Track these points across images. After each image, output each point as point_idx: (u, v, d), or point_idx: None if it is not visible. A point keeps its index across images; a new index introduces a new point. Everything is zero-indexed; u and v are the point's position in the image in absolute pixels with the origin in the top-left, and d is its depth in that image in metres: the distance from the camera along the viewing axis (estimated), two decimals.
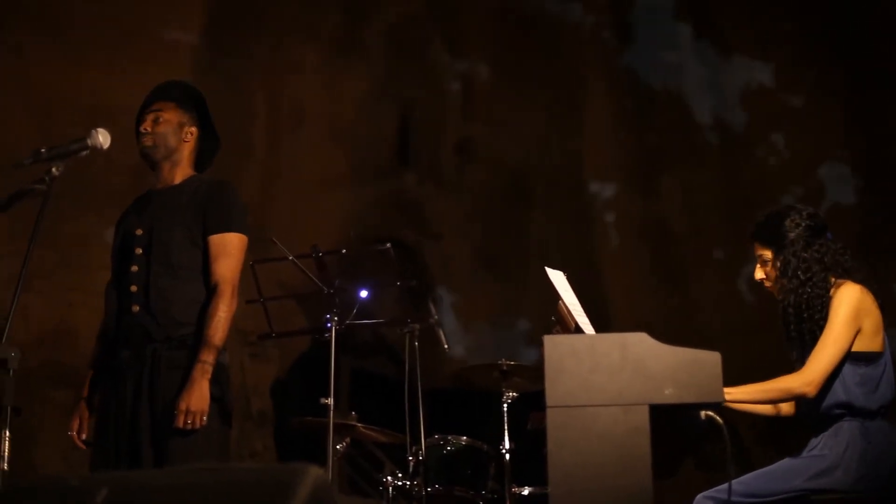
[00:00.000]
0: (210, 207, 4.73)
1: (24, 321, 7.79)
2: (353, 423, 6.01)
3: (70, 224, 8.00)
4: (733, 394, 4.39)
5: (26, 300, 7.90)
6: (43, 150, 4.05)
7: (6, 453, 3.77)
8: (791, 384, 4.52)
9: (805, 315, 4.59)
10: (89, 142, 4.18)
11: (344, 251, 5.35)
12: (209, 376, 4.52)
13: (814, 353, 4.51)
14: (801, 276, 4.61)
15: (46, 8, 8.49)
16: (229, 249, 4.72)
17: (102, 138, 4.20)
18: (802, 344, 4.62)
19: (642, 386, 4.10)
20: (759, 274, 4.78)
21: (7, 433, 3.75)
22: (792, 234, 4.66)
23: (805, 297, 4.59)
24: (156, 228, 4.72)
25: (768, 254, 4.72)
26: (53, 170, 3.98)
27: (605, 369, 4.11)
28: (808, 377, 4.49)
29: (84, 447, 4.81)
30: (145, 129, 4.85)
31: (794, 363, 4.66)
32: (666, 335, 4.24)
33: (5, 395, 3.74)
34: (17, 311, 3.87)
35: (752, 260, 4.85)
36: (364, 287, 5.49)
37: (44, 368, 8.14)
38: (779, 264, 4.67)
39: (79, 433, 4.79)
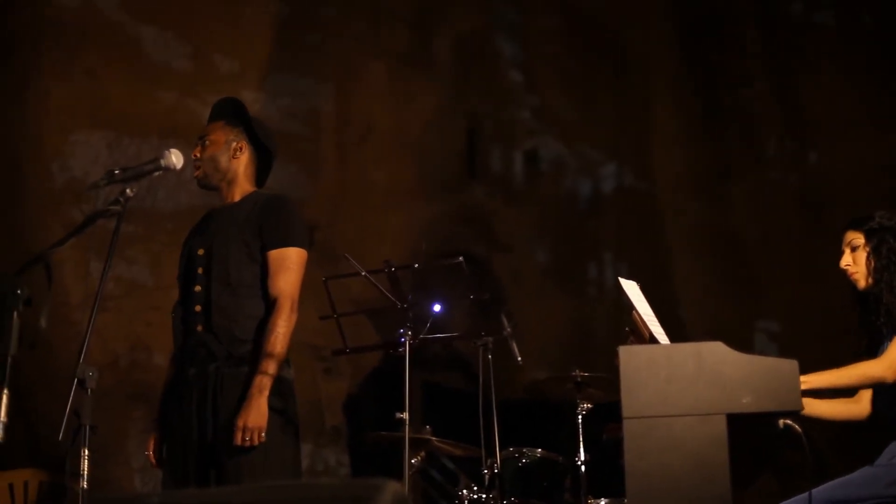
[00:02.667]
0: (267, 223, 4.74)
1: (101, 341, 7.88)
2: (428, 436, 6.00)
3: (143, 244, 8.08)
4: (810, 381, 4.35)
5: (103, 320, 7.98)
6: (117, 172, 4.08)
7: (86, 471, 3.80)
8: (871, 368, 4.49)
9: (886, 300, 4.57)
10: (162, 162, 4.20)
11: (416, 266, 5.35)
12: (267, 392, 4.52)
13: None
14: (890, 261, 4.60)
15: (119, 32, 8.59)
16: (288, 264, 4.71)
17: (175, 158, 4.22)
18: (878, 332, 4.59)
19: (719, 395, 4.07)
20: (845, 260, 4.75)
21: (86, 451, 3.78)
22: (886, 223, 4.67)
23: (891, 283, 4.57)
24: (215, 247, 4.74)
25: (860, 238, 4.71)
26: (128, 190, 4.00)
27: (681, 379, 4.09)
28: (889, 362, 4.45)
29: (158, 467, 4.85)
30: (195, 156, 4.87)
31: (862, 354, 4.63)
32: (740, 343, 4.21)
33: (84, 414, 3.77)
34: (94, 330, 3.90)
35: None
36: (437, 301, 5.48)
37: (120, 387, 8.22)
38: (869, 248, 4.66)
39: (155, 453, 4.83)
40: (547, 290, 9.95)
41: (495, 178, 10.08)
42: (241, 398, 4.53)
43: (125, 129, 8.54)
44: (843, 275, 4.78)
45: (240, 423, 4.46)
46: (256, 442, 4.46)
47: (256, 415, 4.46)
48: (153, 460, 4.82)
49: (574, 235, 10.01)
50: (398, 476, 5.20)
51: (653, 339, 4.46)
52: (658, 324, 4.62)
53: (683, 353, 4.15)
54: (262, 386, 4.50)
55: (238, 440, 4.45)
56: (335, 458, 9.05)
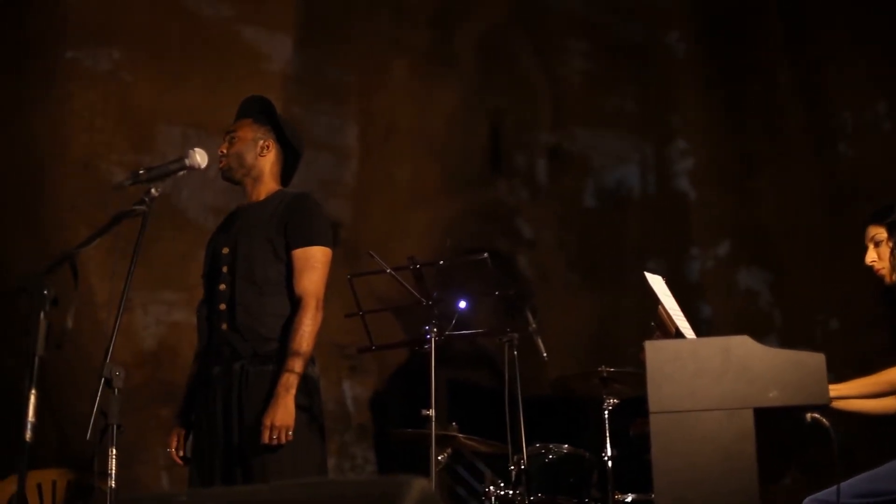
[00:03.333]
0: (292, 221, 4.74)
1: (127, 340, 7.90)
2: (454, 433, 6.00)
3: (168, 243, 8.10)
4: (839, 390, 4.33)
5: (129, 319, 8.01)
6: (142, 171, 4.09)
7: (113, 470, 3.82)
8: None
9: None
10: (187, 162, 4.21)
11: (441, 262, 5.34)
12: (294, 390, 4.54)
13: None
14: None
15: (143, 31, 8.61)
16: (313, 263, 4.72)
17: (200, 158, 4.24)
18: None
19: (746, 389, 4.07)
20: (870, 256, 4.71)
21: (114, 450, 3.80)
22: None
23: None
24: (240, 245, 4.76)
25: (882, 232, 4.67)
26: (153, 190, 4.01)
27: (707, 373, 4.08)
28: None
29: (182, 464, 4.86)
30: (221, 152, 4.89)
31: (889, 349, 4.60)
32: (766, 337, 4.19)
33: (111, 414, 3.78)
34: (121, 330, 3.91)
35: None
36: (462, 298, 5.48)
37: (147, 386, 8.24)
38: (893, 241, 4.62)
39: (176, 450, 4.84)
40: (571, 286, 9.94)
41: (519, 174, 10.07)
42: (267, 396, 4.54)
43: (149, 128, 8.56)
44: (869, 271, 4.75)
45: (267, 421, 4.47)
46: (284, 440, 4.47)
47: (284, 413, 4.48)
48: (175, 457, 4.83)
49: (598, 230, 9.99)
50: (424, 473, 5.20)
51: (679, 334, 4.45)
52: (684, 318, 4.61)
53: (710, 347, 4.14)
54: (289, 384, 4.51)
55: (265, 438, 4.46)
56: (361, 456, 9.06)
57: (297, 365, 4.54)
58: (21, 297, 3.36)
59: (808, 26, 9.99)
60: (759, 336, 4.18)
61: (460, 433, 6.04)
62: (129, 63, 8.58)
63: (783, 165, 9.97)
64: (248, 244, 4.74)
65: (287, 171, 5.03)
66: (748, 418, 4.04)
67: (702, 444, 4.04)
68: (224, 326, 4.69)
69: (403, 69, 9.70)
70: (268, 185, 4.92)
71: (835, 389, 4.26)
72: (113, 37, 8.54)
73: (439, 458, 5.86)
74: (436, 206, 9.60)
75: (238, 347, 4.65)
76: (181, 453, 4.85)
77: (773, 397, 4.05)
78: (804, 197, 9.78)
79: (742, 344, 4.12)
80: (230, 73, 8.75)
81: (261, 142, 4.91)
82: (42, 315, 3.32)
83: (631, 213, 10.12)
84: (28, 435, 3.29)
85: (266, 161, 4.92)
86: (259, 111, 4.99)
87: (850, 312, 9.00)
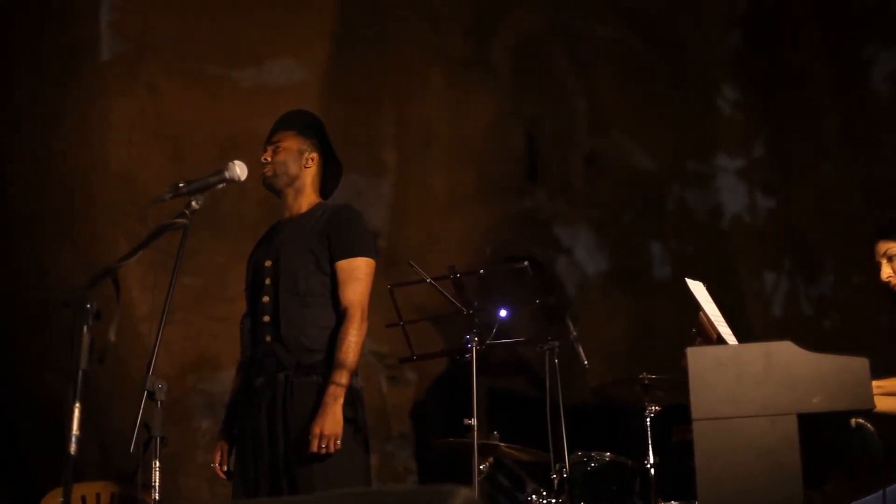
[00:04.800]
0: (335, 233, 4.77)
1: (168, 353, 7.93)
2: (496, 442, 5.99)
3: (208, 255, 8.13)
4: (884, 386, 4.31)
5: (170, 332, 8.02)
6: (182, 185, 4.11)
7: (157, 483, 3.83)
8: None
9: None
10: (227, 174, 4.23)
11: (481, 271, 5.35)
12: (342, 401, 4.55)
13: None
14: None
15: (179, 46, 8.65)
16: (357, 274, 4.75)
17: (240, 170, 4.26)
18: None
19: (789, 395, 4.04)
20: (885, 271, 4.71)
21: (157, 463, 3.81)
22: None
23: None
24: (283, 258, 4.78)
25: (894, 247, 4.65)
26: (193, 203, 4.03)
27: (750, 380, 4.06)
28: None
29: (225, 478, 4.87)
30: (265, 160, 4.92)
31: None
32: (807, 342, 4.17)
33: (154, 426, 3.80)
34: (162, 342, 3.93)
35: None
36: (503, 306, 5.48)
37: (188, 398, 8.28)
38: None
39: (220, 464, 4.85)
40: (611, 293, 9.91)
41: (556, 181, 10.05)
42: (312, 407, 4.56)
43: (187, 141, 8.60)
44: (886, 287, 4.73)
45: (316, 430, 4.49)
46: (332, 449, 4.49)
47: (332, 422, 4.50)
48: (219, 471, 4.85)
49: (636, 236, 9.96)
50: (466, 482, 5.19)
51: (720, 340, 4.43)
52: (725, 324, 4.59)
53: (752, 353, 4.12)
54: (337, 395, 4.53)
55: (314, 448, 4.48)
56: (403, 465, 9.06)
57: (344, 375, 4.57)
58: (64, 312, 3.38)
59: (845, 26, 9.94)
60: (801, 340, 4.15)
61: (502, 442, 6.03)
62: (167, 76, 8.63)
63: (822, 168, 9.92)
64: (292, 256, 4.76)
65: (326, 185, 5.05)
66: (791, 424, 4.01)
67: (745, 450, 4.02)
68: (268, 338, 4.71)
69: (439, 77, 9.70)
70: (309, 197, 4.95)
71: (879, 386, 4.24)
72: (150, 50, 8.59)
73: (481, 467, 5.85)
74: (473, 215, 9.59)
75: (282, 358, 4.68)
76: (225, 468, 4.87)
77: (817, 403, 4.03)
78: (842, 199, 9.72)
79: (784, 349, 4.10)
80: (266, 84, 8.78)
81: (305, 154, 4.95)
82: (85, 329, 3.34)
83: (669, 219, 10.08)
84: (72, 448, 3.30)
85: (309, 173, 4.96)
86: (304, 125, 5.02)
87: (890, 315, 8.93)
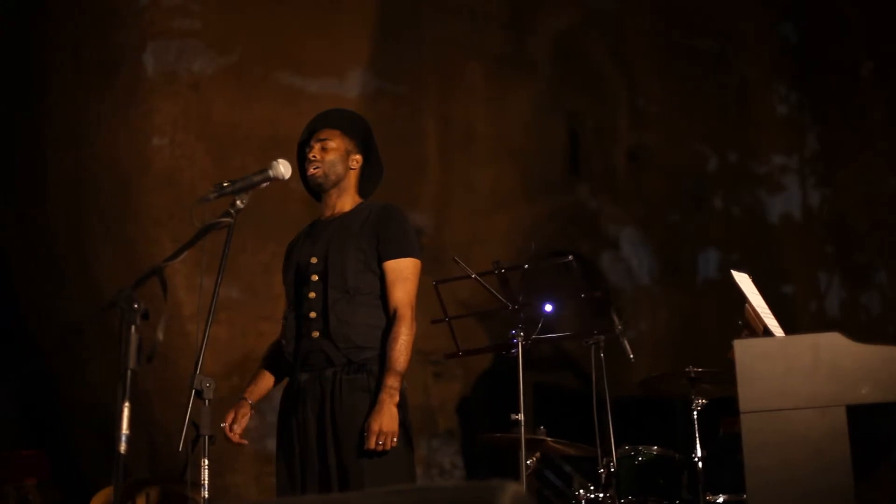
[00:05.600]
0: (383, 233, 4.77)
1: (214, 352, 7.97)
2: (543, 437, 5.97)
3: (252, 255, 8.17)
4: None
5: (215, 331, 8.06)
6: (226, 184, 4.11)
7: (206, 481, 3.85)
8: None
9: None
10: (271, 173, 4.23)
11: (526, 266, 5.34)
12: (397, 399, 4.57)
13: None
14: None
15: (221, 46, 8.69)
16: (406, 274, 4.76)
17: (284, 169, 4.26)
18: None
19: (838, 386, 4.01)
20: None
21: (206, 461, 3.83)
22: None
23: None
24: (331, 255, 4.78)
25: None
26: (238, 202, 4.04)
27: (798, 371, 4.03)
28: None
29: (232, 441, 4.83)
30: (314, 157, 4.91)
31: None
32: (855, 332, 4.14)
33: (202, 424, 3.81)
34: (208, 341, 3.95)
35: None
36: (548, 301, 5.46)
37: (234, 396, 8.29)
38: None
39: (231, 425, 4.84)
40: (655, 286, 9.88)
41: (598, 176, 10.04)
42: (361, 404, 4.57)
43: (229, 141, 8.65)
44: None
45: (375, 427, 4.50)
46: (389, 446, 4.51)
47: (390, 419, 4.51)
48: (227, 431, 4.82)
49: (680, 229, 9.93)
50: (513, 477, 5.18)
51: (767, 332, 4.40)
52: (772, 316, 4.56)
53: (799, 344, 4.09)
54: (392, 393, 4.54)
55: (371, 444, 4.49)
56: (449, 461, 9.07)
57: (398, 375, 4.58)
58: (113, 312, 3.39)
59: (888, 14, 9.85)
60: (848, 331, 4.12)
61: (548, 437, 6.01)
62: (209, 77, 8.67)
63: (866, 159, 9.85)
64: (340, 253, 4.77)
65: (365, 185, 5.05)
66: (840, 416, 3.98)
67: (794, 442, 3.99)
68: (315, 334, 4.72)
69: (479, 74, 9.70)
70: (352, 196, 4.95)
71: None
72: (192, 52, 8.64)
73: (528, 462, 5.83)
74: (516, 210, 9.59)
75: (331, 355, 4.68)
76: (236, 429, 4.84)
77: (866, 394, 3.99)
78: (887, 187, 9.65)
79: (832, 340, 4.06)
80: (307, 83, 8.81)
81: (352, 155, 4.95)
82: (133, 329, 3.35)
83: (712, 211, 10.04)
84: (122, 447, 3.32)
85: (353, 174, 4.96)
86: (349, 124, 5.02)
87: None
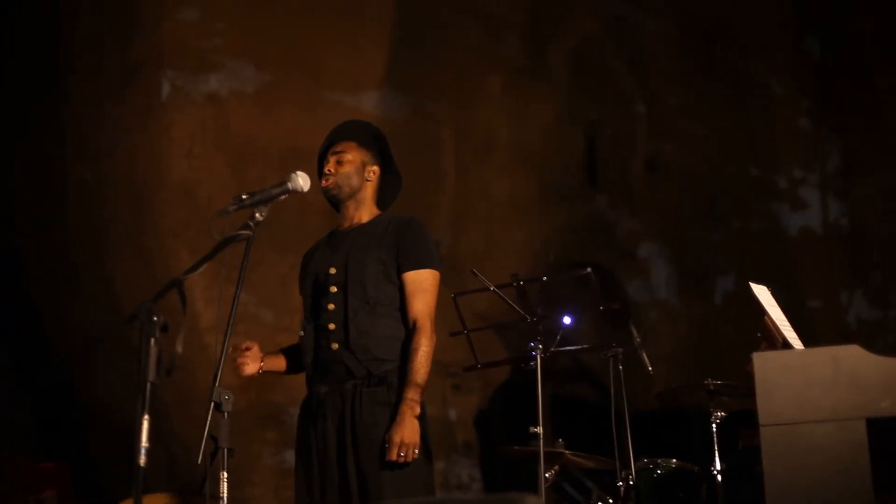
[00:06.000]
0: (403, 245, 4.78)
1: (233, 364, 7.97)
2: (561, 450, 5.97)
3: (270, 267, 8.18)
4: None
5: (233, 342, 8.08)
6: (245, 196, 4.12)
7: (225, 493, 3.85)
8: None
9: None
10: (290, 185, 4.24)
11: (545, 278, 5.34)
12: (417, 413, 4.57)
13: None
14: None
15: (239, 57, 8.71)
16: (426, 286, 4.76)
17: (303, 181, 4.27)
18: None
19: (858, 399, 4.00)
20: None
21: (225, 474, 3.83)
22: None
23: None
24: (350, 266, 4.78)
25: None
26: (257, 215, 4.05)
27: (817, 384, 4.02)
28: None
29: (237, 358, 4.80)
30: (329, 171, 4.92)
31: None
32: (875, 345, 4.12)
33: (221, 437, 3.82)
34: (227, 354, 3.95)
35: None
36: (567, 313, 5.46)
37: (253, 409, 8.32)
38: None
39: (245, 360, 4.81)
40: (674, 298, 9.86)
41: (616, 186, 10.02)
42: (381, 416, 4.57)
43: (248, 152, 8.66)
44: None
45: (396, 438, 4.50)
46: (410, 458, 4.51)
47: (411, 431, 4.51)
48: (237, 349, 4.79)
49: (699, 240, 9.91)
50: (532, 490, 5.18)
51: (786, 344, 4.39)
52: (791, 328, 4.55)
53: (819, 357, 4.09)
54: (413, 405, 4.55)
55: (393, 456, 4.49)
56: (467, 474, 9.06)
57: (418, 388, 4.59)
58: (132, 324, 3.40)
59: None
60: (869, 344, 4.11)
61: (567, 450, 6.01)
62: (226, 89, 8.69)
63: (886, 167, 9.82)
64: (360, 264, 4.77)
65: (383, 196, 5.06)
66: (860, 429, 3.97)
67: (814, 455, 3.99)
68: (334, 345, 4.72)
69: (498, 84, 9.71)
70: (370, 208, 4.96)
71: None
72: (210, 64, 8.66)
73: (547, 475, 5.82)
74: (534, 221, 9.59)
75: (351, 367, 4.68)
76: (245, 349, 4.83)
77: (886, 406, 3.99)
78: None
79: (852, 353, 4.06)
80: (326, 94, 8.82)
81: (368, 166, 4.96)
82: (153, 341, 3.36)
83: (731, 222, 10.03)
84: (142, 459, 3.32)
85: (370, 186, 4.97)
86: (365, 135, 5.02)
87: None
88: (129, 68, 8.62)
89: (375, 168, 4.98)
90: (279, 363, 5.05)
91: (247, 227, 4.00)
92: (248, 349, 4.84)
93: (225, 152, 8.67)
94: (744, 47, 10.20)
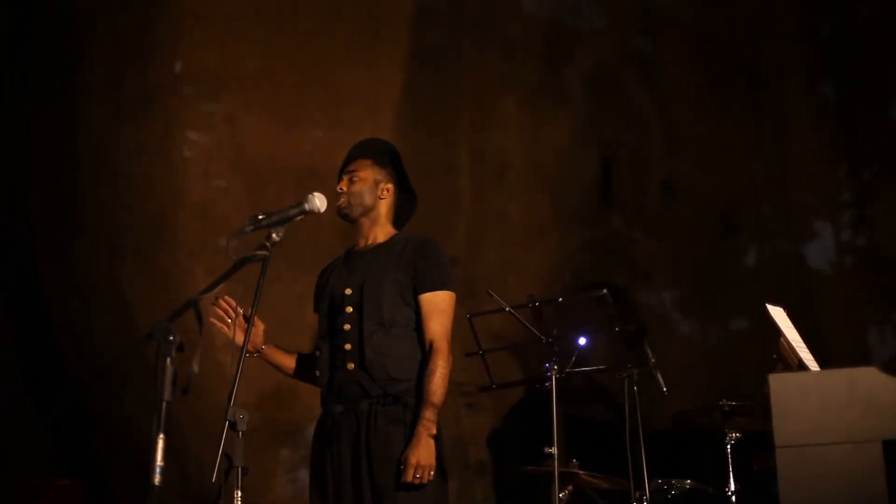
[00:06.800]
0: (420, 267, 4.78)
1: (247, 381, 7.96)
2: (576, 470, 5.97)
3: (286, 285, 8.18)
4: None
5: (248, 362, 8.08)
6: (262, 217, 4.14)
7: None
8: None
9: None
10: (307, 206, 4.26)
11: (560, 299, 5.34)
12: (434, 433, 4.57)
13: None
14: None
15: (257, 77, 8.74)
16: (442, 307, 4.77)
17: (319, 202, 4.28)
18: None
19: (874, 421, 3.99)
20: None
21: (239, 492, 3.83)
22: None
23: None
24: (366, 287, 4.78)
25: None
26: (274, 235, 4.06)
27: (834, 406, 4.01)
28: None
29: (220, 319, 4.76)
30: (341, 189, 4.93)
31: None
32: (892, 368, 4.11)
33: (236, 456, 3.82)
34: (241, 372, 3.96)
35: None
36: (582, 334, 5.47)
37: (267, 427, 8.32)
38: None
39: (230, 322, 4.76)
40: (689, 318, 9.84)
41: (632, 207, 10.01)
42: (397, 436, 4.58)
43: (264, 173, 8.68)
44: None
45: (413, 460, 4.50)
46: (426, 479, 4.51)
47: (427, 453, 4.51)
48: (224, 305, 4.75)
49: (714, 261, 9.89)
50: None
51: (802, 366, 4.39)
52: (807, 350, 4.55)
53: (835, 379, 4.08)
54: (429, 425, 4.55)
55: (409, 477, 4.49)
56: (482, 494, 9.04)
57: (435, 409, 4.59)
58: (149, 344, 3.42)
59: None
60: (885, 366, 4.10)
61: (581, 470, 6.00)
62: (244, 109, 8.72)
63: None
64: (376, 286, 4.77)
65: (399, 214, 5.06)
66: (877, 451, 3.96)
67: (830, 478, 3.97)
68: (350, 366, 4.72)
69: (513, 105, 9.71)
70: (385, 227, 4.96)
71: None
72: (227, 84, 8.69)
73: (561, 495, 5.82)
74: (550, 242, 9.58)
75: (367, 387, 4.69)
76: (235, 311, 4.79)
77: None
78: None
79: (868, 375, 4.05)
80: (343, 115, 8.84)
81: (381, 184, 4.96)
82: (168, 361, 3.37)
83: (746, 244, 10.00)
84: (157, 478, 3.33)
85: (385, 204, 4.97)
86: (379, 153, 5.03)
87: None
88: (145, 89, 8.65)
89: (390, 186, 4.98)
90: (286, 360, 5.06)
91: (263, 247, 4.02)
92: (237, 310, 4.74)
93: (241, 173, 8.69)
94: (760, 68, 10.18)
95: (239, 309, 4.67)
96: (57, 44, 8.95)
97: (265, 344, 4.96)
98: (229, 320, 4.76)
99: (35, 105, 9.01)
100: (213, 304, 4.74)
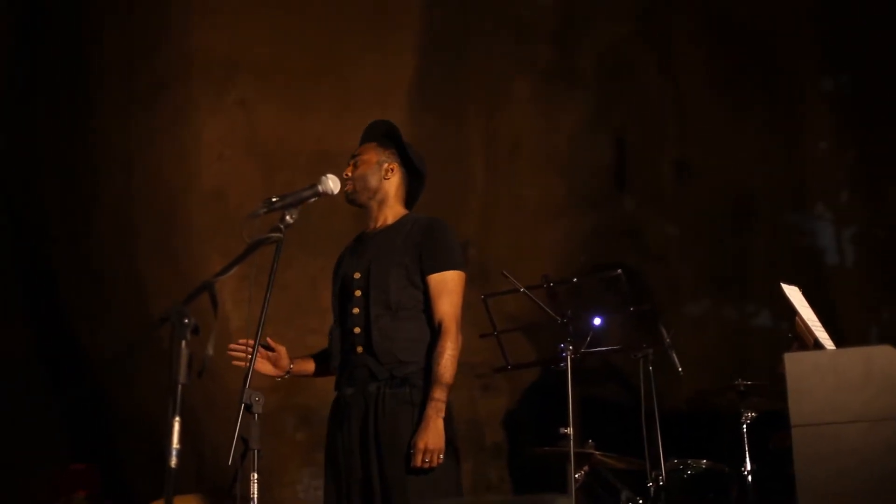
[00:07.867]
0: (426, 247, 4.76)
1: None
2: (591, 451, 5.96)
3: (300, 268, 8.19)
4: None
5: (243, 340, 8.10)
6: (275, 199, 4.14)
7: (256, 495, 3.87)
8: None
9: None
10: (320, 188, 4.26)
11: (575, 280, 5.34)
12: (443, 415, 4.56)
13: None
14: None
15: (268, 62, 8.74)
16: (451, 287, 4.75)
17: (332, 184, 4.29)
18: None
19: (890, 400, 3.98)
20: None
21: (255, 475, 3.84)
22: None
23: None
24: (373, 270, 4.78)
25: None
26: (287, 217, 4.07)
27: (850, 385, 4.00)
28: None
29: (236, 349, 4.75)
30: (346, 175, 4.92)
31: None
32: None
33: (251, 439, 3.83)
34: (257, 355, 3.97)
35: None
36: (597, 315, 5.46)
37: (283, 410, 8.34)
38: None
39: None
40: (703, 299, 9.83)
41: (645, 189, 9.99)
42: (405, 418, 4.57)
43: (277, 157, 8.68)
44: None
45: (421, 444, 4.49)
46: (435, 464, 4.50)
47: (436, 436, 4.50)
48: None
49: (728, 242, 9.87)
50: (561, 491, 5.17)
51: (817, 345, 4.38)
52: (822, 329, 4.54)
53: (851, 358, 4.07)
54: (438, 408, 4.54)
55: (418, 462, 4.48)
56: (497, 475, 9.05)
57: (445, 390, 4.57)
58: (163, 327, 3.42)
59: None
60: None
61: (597, 450, 6.00)
62: (256, 94, 8.72)
63: None
64: (382, 269, 4.77)
65: (411, 194, 5.05)
66: (893, 429, 3.95)
67: (846, 456, 3.96)
68: (359, 349, 4.73)
69: (526, 88, 9.70)
70: (394, 208, 4.94)
71: None
72: (239, 69, 8.69)
73: (576, 476, 5.82)
74: (563, 224, 9.58)
75: (374, 370, 4.69)
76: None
77: None
78: None
79: (884, 354, 4.04)
80: (355, 99, 8.83)
81: (385, 165, 4.93)
82: (184, 344, 3.38)
83: (760, 224, 9.98)
84: (173, 461, 3.34)
85: (391, 184, 4.95)
86: (383, 134, 5.02)
87: None
88: (158, 75, 8.66)
89: (394, 165, 4.95)
90: (308, 366, 5.07)
91: (277, 229, 4.02)
92: (247, 345, 4.71)
93: (254, 157, 8.69)
94: (774, 48, 10.14)
95: (249, 341, 4.58)
96: (69, 30, 8.96)
97: (292, 363, 4.97)
98: (246, 356, 4.71)
99: (48, 92, 9.03)
100: (228, 353, 4.74)
